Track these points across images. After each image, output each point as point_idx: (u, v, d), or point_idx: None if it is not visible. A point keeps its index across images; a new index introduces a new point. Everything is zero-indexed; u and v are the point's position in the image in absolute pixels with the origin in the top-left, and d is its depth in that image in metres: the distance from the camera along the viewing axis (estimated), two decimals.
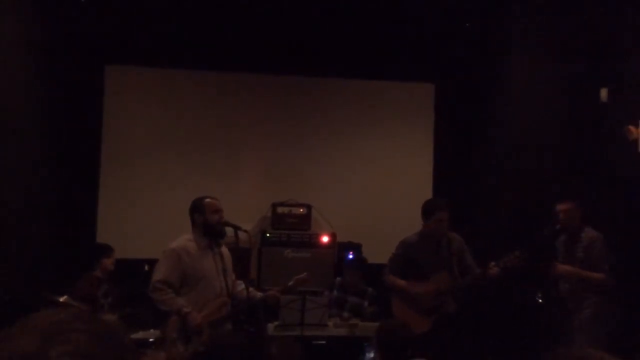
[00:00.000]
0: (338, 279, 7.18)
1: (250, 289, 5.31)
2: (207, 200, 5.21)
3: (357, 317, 6.62)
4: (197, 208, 5.19)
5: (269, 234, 8.16)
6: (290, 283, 5.41)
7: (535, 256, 5.82)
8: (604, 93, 6.74)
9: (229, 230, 5.19)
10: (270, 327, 6.23)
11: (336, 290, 7.03)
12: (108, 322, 0.95)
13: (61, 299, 5.50)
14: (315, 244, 8.18)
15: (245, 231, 5.17)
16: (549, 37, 7.12)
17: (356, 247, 8.23)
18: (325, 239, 8.20)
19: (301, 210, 8.37)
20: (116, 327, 0.94)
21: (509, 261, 5.53)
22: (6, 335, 0.91)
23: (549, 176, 6.95)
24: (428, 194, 8.49)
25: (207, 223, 5.14)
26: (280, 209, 8.33)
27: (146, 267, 6.69)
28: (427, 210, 5.92)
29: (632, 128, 5.58)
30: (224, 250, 5.30)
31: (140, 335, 5.78)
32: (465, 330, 5.91)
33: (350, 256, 8.09)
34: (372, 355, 5.37)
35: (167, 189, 8.30)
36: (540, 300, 6.26)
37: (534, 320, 6.37)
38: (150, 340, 5.58)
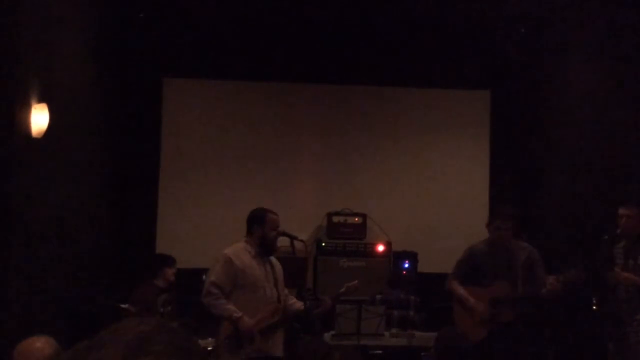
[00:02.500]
0: (378, 296, 7.08)
1: (299, 303, 5.34)
2: (272, 216, 5.22)
3: (407, 329, 6.56)
4: (259, 220, 5.20)
5: (325, 243, 8.18)
6: (342, 290, 5.43)
7: (593, 261, 5.74)
8: None
9: (285, 240, 5.23)
10: (327, 336, 6.24)
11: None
12: (188, 334, 0.98)
13: (123, 306, 5.62)
14: (370, 253, 8.16)
15: (302, 241, 5.20)
16: (606, 40, 6.98)
17: (412, 256, 8.18)
18: (380, 248, 8.18)
19: (356, 219, 8.36)
20: (195, 340, 0.96)
21: (569, 276, 5.46)
22: (94, 343, 0.94)
23: (609, 182, 6.80)
24: (484, 202, 8.40)
25: (265, 238, 5.17)
26: (335, 218, 8.34)
27: (204, 277, 6.76)
28: (489, 218, 6.03)
29: None
30: (274, 260, 5.34)
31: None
32: (520, 340, 5.80)
33: (406, 264, 8.05)
34: None
35: (224, 199, 8.39)
36: (594, 307, 6.17)
37: (588, 326, 6.29)
38: (209, 349, 5.66)
